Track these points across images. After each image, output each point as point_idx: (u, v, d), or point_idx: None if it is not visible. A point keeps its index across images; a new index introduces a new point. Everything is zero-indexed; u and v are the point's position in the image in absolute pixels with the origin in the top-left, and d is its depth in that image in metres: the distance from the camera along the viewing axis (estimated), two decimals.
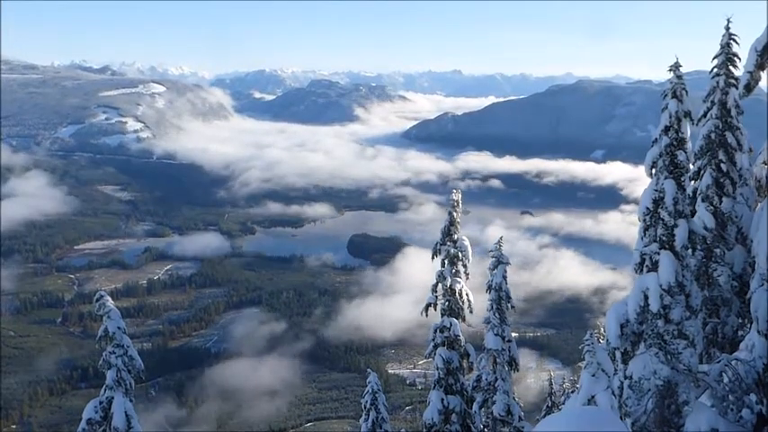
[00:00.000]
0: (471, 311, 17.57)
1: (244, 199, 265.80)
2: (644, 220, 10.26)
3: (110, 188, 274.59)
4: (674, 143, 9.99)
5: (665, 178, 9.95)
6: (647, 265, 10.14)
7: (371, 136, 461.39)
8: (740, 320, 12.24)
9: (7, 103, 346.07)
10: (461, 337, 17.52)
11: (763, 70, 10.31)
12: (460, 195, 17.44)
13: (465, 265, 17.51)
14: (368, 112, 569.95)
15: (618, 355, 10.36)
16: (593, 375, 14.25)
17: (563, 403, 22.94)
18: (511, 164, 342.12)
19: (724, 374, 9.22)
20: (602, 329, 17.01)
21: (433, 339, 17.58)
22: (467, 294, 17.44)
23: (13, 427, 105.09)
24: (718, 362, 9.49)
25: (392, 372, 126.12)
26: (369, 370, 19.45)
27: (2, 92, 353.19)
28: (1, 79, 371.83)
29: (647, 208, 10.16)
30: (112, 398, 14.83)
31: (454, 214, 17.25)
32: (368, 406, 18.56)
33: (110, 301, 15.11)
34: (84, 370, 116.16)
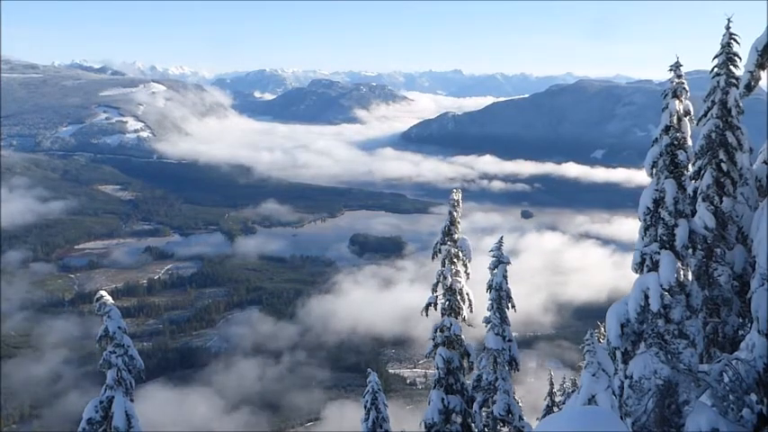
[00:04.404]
0: (471, 311, 17.57)
1: (244, 199, 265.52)
2: (644, 220, 10.28)
3: (110, 188, 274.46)
4: (675, 143, 10.00)
5: (666, 178, 9.96)
6: (647, 265, 10.15)
7: (372, 135, 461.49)
8: (741, 320, 12.24)
9: (8, 103, 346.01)
10: (462, 337, 17.53)
11: (763, 69, 10.32)
12: (461, 195, 17.44)
13: (465, 265, 17.51)
14: (368, 112, 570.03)
15: (618, 354, 10.35)
16: (594, 375, 14.27)
17: (563, 403, 22.92)
18: (513, 165, 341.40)
19: (724, 374, 9.22)
20: (602, 329, 17.02)
21: (434, 339, 17.58)
22: (467, 294, 17.44)
23: (14, 426, 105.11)
24: (718, 361, 9.49)
25: (392, 371, 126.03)
26: (369, 370, 19.43)
27: (2, 91, 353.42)
28: (1, 79, 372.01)
29: (648, 207, 10.17)
30: (113, 397, 14.83)
31: (454, 214, 17.25)
32: (368, 406, 18.55)
33: (110, 301, 15.12)
34: (84, 369, 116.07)
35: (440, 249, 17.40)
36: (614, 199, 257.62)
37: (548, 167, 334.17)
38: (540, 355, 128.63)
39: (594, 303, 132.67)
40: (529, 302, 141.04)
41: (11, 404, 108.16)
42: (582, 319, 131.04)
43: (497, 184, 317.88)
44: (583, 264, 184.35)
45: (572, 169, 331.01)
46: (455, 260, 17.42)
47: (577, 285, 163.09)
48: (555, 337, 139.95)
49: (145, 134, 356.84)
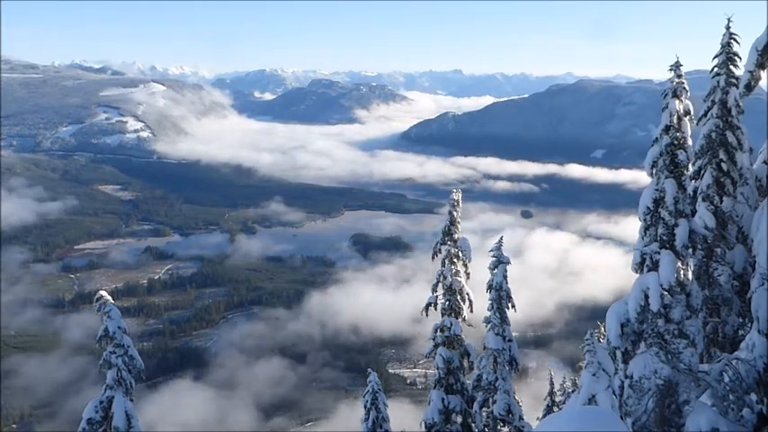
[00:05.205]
0: (472, 311, 17.56)
1: (244, 199, 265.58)
2: (644, 220, 10.29)
3: (110, 188, 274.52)
4: (675, 142, 10.00)
5: (666, 178, 9.97)
6: (647, 265, 10.16)
7: (372, 135, 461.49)
8: (741, 320, 12.23)
9: (8, 103, 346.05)
10: (462, 337, 17.52)
11: (763, 69, 10.31)
12: (461, 195, 17.43)
13: (465, 265, 17.50)
14: (368, 112, 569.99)
15: (618, 354, 10.36)
16: (594, 375, 14.27)
17: (563, 403, 22.93)
18: (515, 166, 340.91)
19: (724, 374, 9.21)
20: (602, 329, 17.02)
21: (434, 339, 17.58)
22: (467, 293, 17.43)
23: (14, 426, 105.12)
24: (718, 361, 9.48)
25: (392, 371, 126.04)
26: (369, 370, 19.43)
27: (2, 91, 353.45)
28: (1, 79, 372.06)
29: (648, 207, 10.18)
30: (112, 397, 14.83)
31: (454, 213, 17.24)
32: (368, 406, 18.55)
33: (110, 301, 15.12)
34: (85, 369, 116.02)
35: (440, 249, 17.38)
36: (618, 200, 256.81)
37: (551, 168, 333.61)
38: (541, 355, 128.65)
39: (597, 303, 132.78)
40: (531, 302, 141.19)
41: (11, 404, 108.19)
42: (584, 319, 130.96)
43: (500, 185, 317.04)
44: (586, 264, 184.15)
45: (575, 170, 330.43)
46: (455, 260, 17.41)
47: (580, 285, 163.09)
48: (556, 337, 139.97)
49: (145, 134, 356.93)
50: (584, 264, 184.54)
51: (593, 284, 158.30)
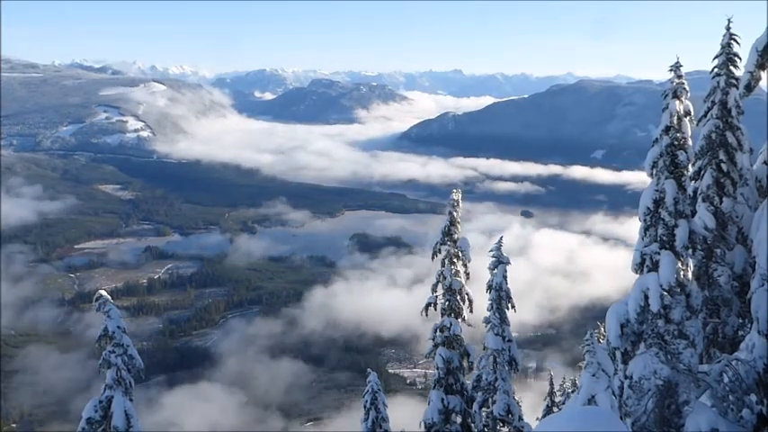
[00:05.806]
0: (471, 311, 17.56)
1: (244, 199, 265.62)
2: (644, 220, 10.29)
3: (110, 187, 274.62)
4: (675, 143, 10.00)
5: (666, 178, 9.97)
6: (647, 265, 10.16)
7: (372, 135, 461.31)
8: (740, 320, 12.23)
9: (8, 103, 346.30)
10: (462, 337, 17.52)
11: (763, 70, 10.31)
12: (460, 195, 17.42)
13: (465, 265, 17.49)
14: (368, 112, 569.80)
15: (618, 355, 10.36)
16: (594, 375, 14.28)
17: (563, 403, 22.94)
18: (517, 166, 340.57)
19: (724, 374, 9.21)
20: (602, 329, 17.03)
21: (434, 339, 17.57)
22: (467, 294, 17.43)
23: (14, 425, 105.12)
24: (718, 362, 9.48)
25: (392, 372, 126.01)
26: (369, 370, 19.43)
27: (2, 91, 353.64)
28: (1, 78, 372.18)
29: (648, 208, 10.18)
30: (112, 397, 14.83)
31: (454, 214, 17.23)
32: (368, 406, 18.55)
33: (110, 300, 15.11)
34: (84, 369, 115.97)
35: (439, 249, 17.37)
36: (621, 200, 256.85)
37: (553, 169, 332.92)
38: (542, 355, 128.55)
39: (598, 303, 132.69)
40: (533, 302, 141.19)
41: (11, 403, 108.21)
42: (585, 319, 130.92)
43: (502, 186, 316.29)
44: (590, 264, 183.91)
45: (577, 171, 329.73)
46: (455, 260, 17.40)
47: (583, 285, 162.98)
48: (558, 337, 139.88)
49: (145, 134, 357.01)
50: (588, 264, 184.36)
51: (596, 284, 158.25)
